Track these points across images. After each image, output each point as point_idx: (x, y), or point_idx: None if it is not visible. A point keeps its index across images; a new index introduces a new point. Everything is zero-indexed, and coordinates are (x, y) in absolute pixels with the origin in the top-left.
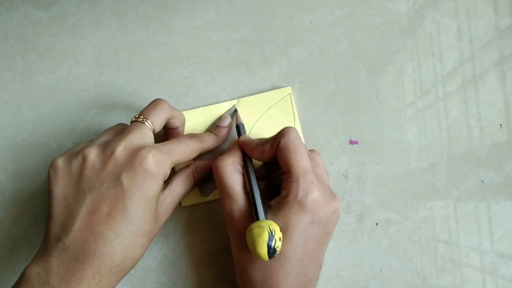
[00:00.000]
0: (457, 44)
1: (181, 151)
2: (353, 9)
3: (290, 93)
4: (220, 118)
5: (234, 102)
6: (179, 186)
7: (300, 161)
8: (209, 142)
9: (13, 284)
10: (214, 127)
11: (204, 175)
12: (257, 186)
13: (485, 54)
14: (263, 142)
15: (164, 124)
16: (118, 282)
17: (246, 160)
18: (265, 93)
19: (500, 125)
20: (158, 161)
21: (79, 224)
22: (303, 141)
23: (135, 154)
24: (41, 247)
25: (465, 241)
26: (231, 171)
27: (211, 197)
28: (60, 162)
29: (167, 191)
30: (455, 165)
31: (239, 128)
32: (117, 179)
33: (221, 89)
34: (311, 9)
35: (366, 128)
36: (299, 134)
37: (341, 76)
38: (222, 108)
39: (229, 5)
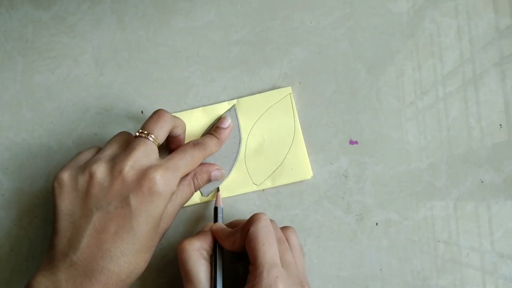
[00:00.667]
0: (457, 44)
1: (186, 164)
2: (353, 9)
3: (290, 93)
4: (220, 119)
5: (234, 102)
6: (179, 195)
7: (267, 253)
8: (212, 147)
9: (13, 284)
10: (214, 128)
11: (203, 181)
12: (221, 282)
13: (485, 54)
14: (234, 231)
15: (167, 135)
16: None
17: (216, 248)
18: (265, 93)
19: (500, 125)
20: (166, 180)
21: (86, 241)
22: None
23: (143, 174)
24: (47, 260)
25: (465, 241)
26: (197, 257)
27: (210, 197)
28: (66, 177)
29: (169, 202)
30: (455, 165)
31: (217, 212)
32: (124, 199)
33: (221, 89)
34: (311, 9)
35: (366, 128)
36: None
37: (341, 76)
38: (222, 108)
39: (229, 5)
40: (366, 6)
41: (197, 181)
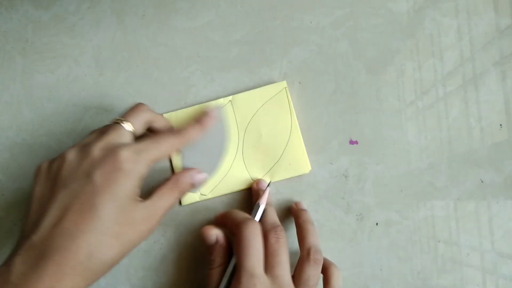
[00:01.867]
0: (457, 44)
1: (158, 147)
2: (353, 9)
3: (285, 87)
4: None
5: (230, 98)
6: (161, 199)
7: (248, 261)
8: (192, 134)
9: None
10: (200, 114)
11: (186, 185)
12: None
13: (485, 54)
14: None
15: (146, 127)
16: (87, 285)
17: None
18: (260, 88)
19: (500, 125)
20: (133, 160)
21: (48, 220)
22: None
23: (109, 152)
24: (14, 248)
25: (465, 241)
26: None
27: (210, 195)
28: (44, 164)
29: (148, 201)
30: (455, 165)
31: (257, 209)
32: (88, 176)
33: (221, 89)
34: (311, 9)
35: (366, 128)
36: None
37: (341, 76)
38: (218, 104)
39: (229, 5)
40: (366, 6)
41: (180, 186)
